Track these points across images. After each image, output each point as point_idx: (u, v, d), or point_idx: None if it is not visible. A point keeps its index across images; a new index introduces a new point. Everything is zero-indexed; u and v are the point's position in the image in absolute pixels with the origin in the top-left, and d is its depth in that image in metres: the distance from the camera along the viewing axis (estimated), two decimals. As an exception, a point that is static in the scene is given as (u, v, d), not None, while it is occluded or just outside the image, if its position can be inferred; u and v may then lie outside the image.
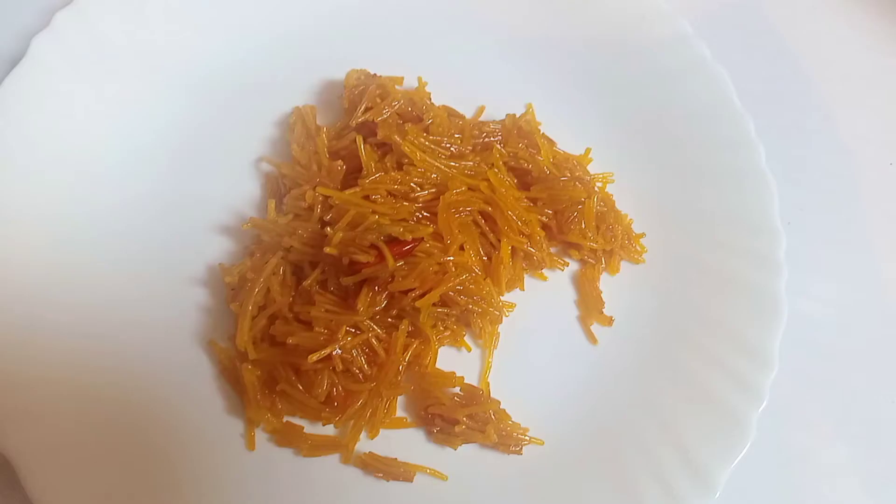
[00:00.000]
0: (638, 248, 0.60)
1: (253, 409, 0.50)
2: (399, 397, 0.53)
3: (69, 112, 0.57)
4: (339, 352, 0.50)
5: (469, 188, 0.56)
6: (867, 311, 0.62)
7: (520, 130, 0.61)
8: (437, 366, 0.54)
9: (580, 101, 0.65)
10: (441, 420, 0.52)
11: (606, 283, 0.59)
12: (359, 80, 0.61)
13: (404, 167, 0.56)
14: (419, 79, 0.64)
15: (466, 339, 0.56)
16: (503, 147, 0.60)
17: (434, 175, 0.56)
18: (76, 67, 0.58)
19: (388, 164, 0.56)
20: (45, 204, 0.54)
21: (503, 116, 0.63)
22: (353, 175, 0.56)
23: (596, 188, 0.60)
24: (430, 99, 0.62)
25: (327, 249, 0.51)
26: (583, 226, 0.58)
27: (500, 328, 0.56)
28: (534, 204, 0.59)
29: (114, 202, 0.56)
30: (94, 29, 0.60)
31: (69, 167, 0.56)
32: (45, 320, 0.51)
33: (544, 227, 0.59)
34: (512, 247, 0.57)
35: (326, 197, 0.54)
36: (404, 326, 0.52)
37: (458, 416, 0.51)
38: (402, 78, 0.63)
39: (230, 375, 0.52)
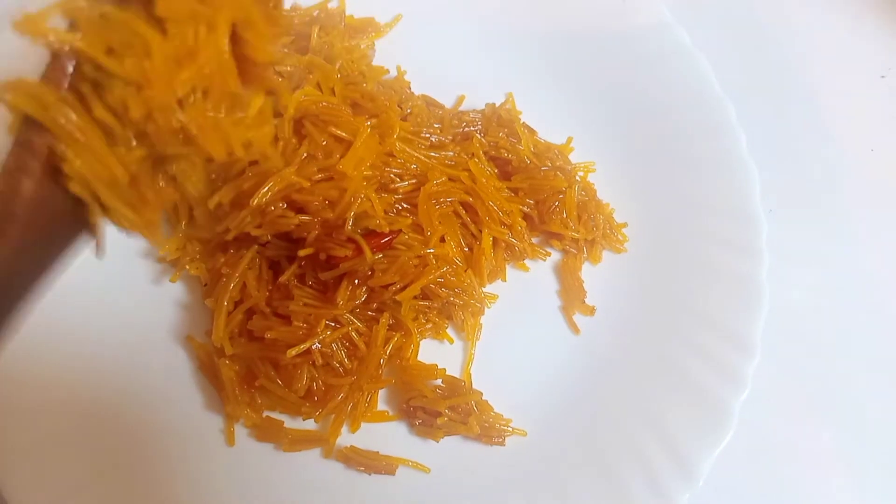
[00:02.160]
0: (620, 237, 0.59)
1: (232, 404, 0.50)
2: (381, 390, 0.53)
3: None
4: (319, 346, 0.50)
5: (449, 178, 0.56)
6: (849, 297, 0.62)
7: (500, 120, 0.61)
8: (419, 358, 0.54)
9: (561, 90, 0.64)
10: (423, 412, 0.52)
11: (588, 273, 0.58)
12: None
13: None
14: (398, 68, 0.63)
15: (449, 331, 0.55)
16: (483, 137, 0.59)
17: (414, 166, 0.56)
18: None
19: (367, 155, 0.56)
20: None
21: (483, 106, 0.62)
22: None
23: (577, 177, 0.60)
24: (410, 88, 0.62)
25: (302, 253, 0.50)
26: (564, 215, 0.58)
27: (483, 319, 0.56)
28: (515, 194, 0.58)
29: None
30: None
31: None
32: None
33: (526, 217, 0.58)
34: (493, 237, 0.56)
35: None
36: (385, 320, 0.52)
37: (440, 408, 0.51)
38: (388, 70, 0.63)
39: (209, 371, 0.51)
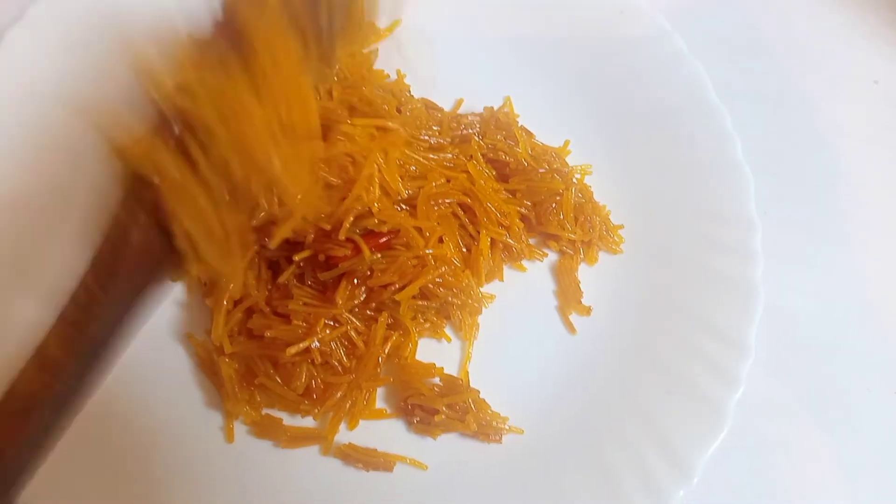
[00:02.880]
0: (616, 238, 0.60)
1: (231, 401, 0.50)
2: (379, 389, 0.53)
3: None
4: (318, 345, 0.50)
5: (448, 180, 0.57)
6: (844, 301, 0.63)
7: (498, 123, 0.61)
8: (417, 357, 0.54)
9: (558, 94, 0.65)
10: (421, 410, 0.52)
11: (585, 274, 0.59)
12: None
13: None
14: (398, 71, 0.64)
15: (447, 330, 0.56)
16: (482, 139, 0.60)
17: (413, 167, 0.56)
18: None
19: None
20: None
21: (481, 109, 0.63)
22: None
23: (574, 180, 0.61)
24: (410, 92, 0.62)
25: (297, 257, 0.51)
26: (561, 217, 0.59)
27: (480, 319, 0.56)
28: (512, 195, 0.59)
29: (86, 196, 0.56)
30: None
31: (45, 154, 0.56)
32: (21, 320, 0.51)
33: (523, 218, 0.59)
34: (491, 238, 0.57)
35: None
36: (384, 319, 0.53)
37: (438, 406, 0.51)
38: (388, 74, 0.63)
39: (208, 369, 0.52)
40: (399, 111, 0.59)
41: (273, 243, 0.48)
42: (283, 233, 0.48)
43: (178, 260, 0.35)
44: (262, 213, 0.46)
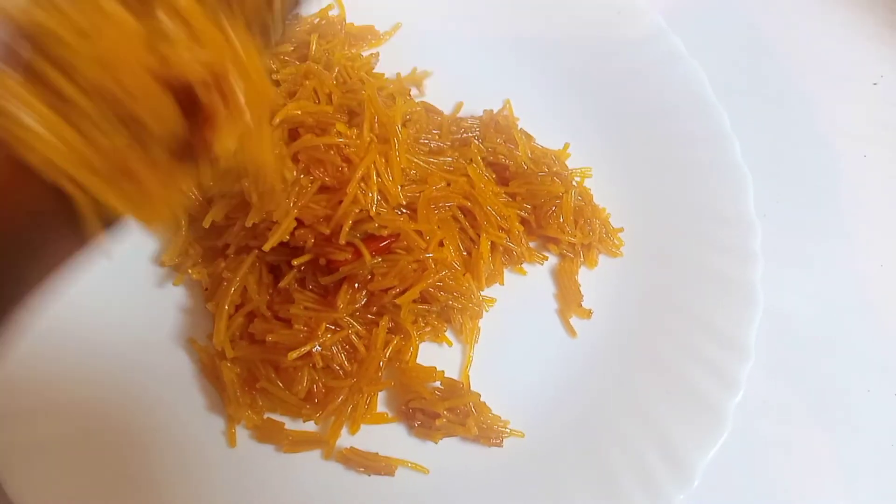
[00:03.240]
0: (616, 241, 0.60)
1: (233, 406, 0.50)
2: (380, 393, 0.53)
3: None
4: (319, 349, 0.50)
5: (448, 184, 0.57)
6: (844, 302, 0.63)
7: (498, 126, 0.61)
8: (418, 361, 0.54)
9: (558, 97, 0.66)
10: (422, 414, 0.52)
11: (585, 277, 0.59)
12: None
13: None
14: (398, 75, 0.64)
15: (447, 333, 0.56)
16: (481, 142, 0.60)
17: (413, 171, 0.56)
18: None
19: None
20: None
21: (481, 112, 0.63)
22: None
23: (574, 183, 0.61)
24: (409, 95, 0.63)
25: (297, 262, 0.51)
26: (561, 220, 0.59)
27: (481, 322, 0.56)
28: (512, 199, 0.59)
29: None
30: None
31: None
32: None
33: (523, 221, 0.59)
34: (491, 242, 0.57)
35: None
36: (385, 323, 0.53)
37: (439, 410, 0.51)
38: (388, 78, 0.63)
39: (210, 373, 0.52)
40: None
41: (268, 245, 0.48)
42: (278, 236, 0.48)
43: (73, 208, 0.29)
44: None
